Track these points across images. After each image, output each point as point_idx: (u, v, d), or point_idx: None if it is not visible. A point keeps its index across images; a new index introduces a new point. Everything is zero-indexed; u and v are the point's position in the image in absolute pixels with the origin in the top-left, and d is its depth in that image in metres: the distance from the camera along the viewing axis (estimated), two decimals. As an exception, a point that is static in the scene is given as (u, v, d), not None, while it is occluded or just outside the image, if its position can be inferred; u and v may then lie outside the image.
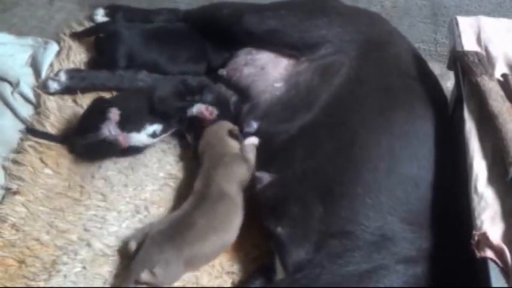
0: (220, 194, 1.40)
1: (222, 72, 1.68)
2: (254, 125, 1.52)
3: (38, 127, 1.64)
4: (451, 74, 1.51)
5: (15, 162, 1.57)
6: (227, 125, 1.56)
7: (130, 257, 1.34)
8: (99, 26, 1.90)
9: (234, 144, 1.51)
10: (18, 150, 1.59)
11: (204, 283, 1.37)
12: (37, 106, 1.71)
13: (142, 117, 1.56)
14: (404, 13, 1.93)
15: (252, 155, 1.48)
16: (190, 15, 1.86)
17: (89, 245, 1.41)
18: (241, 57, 1.66)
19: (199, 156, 1.53)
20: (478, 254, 1.01)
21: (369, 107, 1.37)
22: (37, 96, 1.72)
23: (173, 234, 1.32)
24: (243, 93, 1.61)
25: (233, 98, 1.64)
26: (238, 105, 1.62)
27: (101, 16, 1.93)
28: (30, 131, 1.63)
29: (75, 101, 1.70)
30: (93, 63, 1.81)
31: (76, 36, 1.87)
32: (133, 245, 1.34)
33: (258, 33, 1.63)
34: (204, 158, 1.51)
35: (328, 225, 1.24)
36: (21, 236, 1.42)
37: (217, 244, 1.37)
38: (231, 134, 1.53)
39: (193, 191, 1.43)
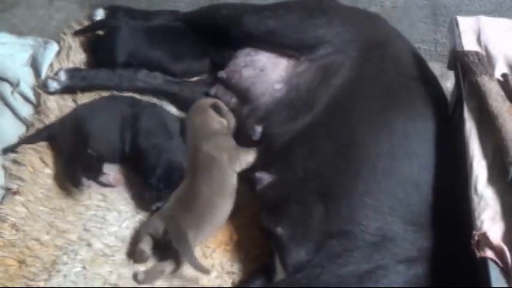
0: (209, 159, 1.45)
1: (222, 74, 1.67)
2: (259, 130, 1.51)
3: (39, 127, 1.64)
4: (451, 74, 1.51)
5: (15, 162, 1.56)
6: (209, 100, 1.61)
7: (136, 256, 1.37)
8: (99, 23, 1.90)
9: (216, 117, 1.56)
10: (18, 150, 1.59)
11: (204, 283, 1.37)
12: (37, 106, 1.70)
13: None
14: (404, 13, 1.93)
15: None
16: (189, 17, 1.86)
17: (89, 245, 1.41)
18: (240, 58, 1.66)
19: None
20: (478, 254, 1.01)
21: (369, 107, 1.37)
22: (37, 96, 1.72)
23: (186, 210, 1.36)
24: (243, 95, 1.61)
25: (233, 99, 1.64)
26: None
27: (100, 17, 1.93)
28: (9, 149, 1.60)
29: (75, 101, 1.70)
30: (93, 62, 1.81)
31: (76, 34, 1.87)
32: (146, 247, 1.35)
33: (257, 34, 1.63)
34: (188, 130, 1.56)
35: (328, 225, 1.24)
36: (21, 236, 1.41)
37: (223, 210, 1.41)
38: (215, 107, 1.57)
39: None
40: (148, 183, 1.43)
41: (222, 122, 1.57)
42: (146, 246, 1.36)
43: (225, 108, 1.59)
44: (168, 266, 1.33)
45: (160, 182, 1.43)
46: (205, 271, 1.30)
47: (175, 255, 1.33)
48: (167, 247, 1.34)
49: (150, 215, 1.45)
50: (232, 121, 1.59)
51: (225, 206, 1.41)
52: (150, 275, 1.33)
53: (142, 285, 1.33)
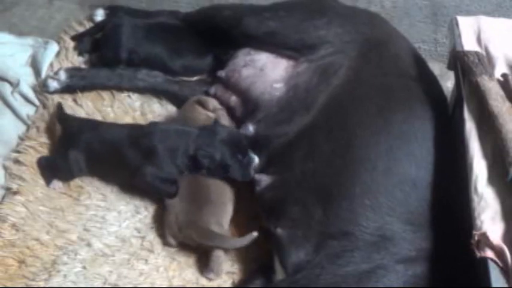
0: None
1: (221, 73, 1.67)
2: (250, 129, 1.52)
3: (40, 126, 1.64)
4: (451, 74, 1.51)
5: (15, 161, 1.56)
6: (195, 98, 1.63)
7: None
8: (100, 23, 1.90)
9: (203, 111, 1.58)
10: (19, 150, 1.59)
11: (204, 283, 1.37)
12: (37, 106, 1.71)
13: None
14: (404, 13, 1.93)
15: (224, 120, 1.56)
16: (190, 17, 1.86)
17: (89, 245, 1.41)
18: (240, 58, 1.66)
19: None
20: (478, 254, 1.01)
21: (368, 107, 1.37)
22: (37, 96, 1.72)
23: (200, 209, 1.40)
24: (243, 94, 1.61)
25: (232, 98, 1.64)
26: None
27: (100, 17, 1.93)
28: None
29: (75, 100, 1.70)
30: (95, 59, 1.81)
31: (77, 37, 1.87)
32: (172, 242, 1.41)
33: (257, 35, 1.62)
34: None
35: (328, 226, 1.25)
36: (21, 236, 1.42)
37: (231, 194, 1.46)
38: (199, 102, 1.59)
39: None
40: (228, 170, 1.44)
41: (208, 115, 1.58)
42: (171, 240, 1.40)
43: (211, 102, 1.60)
44: (215, 257, 1.37)
45: (238, 157, 1.44)
46: (251, 237, 1.35)
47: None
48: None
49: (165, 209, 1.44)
50: (220, 113, 1.60)
51: (231, 190, 1.46)
52: (214, 270, 1.37)
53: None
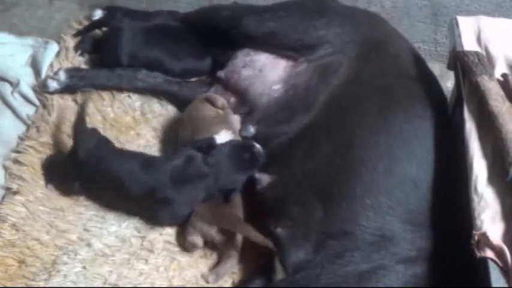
0: None
1: (221, 74, 1.67)
2: (251, 130, 1.52)
3: (39, 126, 1.64)
4: (451, 74, 1.51)
5: (15, 161, 1.56)
6: (203, 95, 1.62)
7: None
8: (96, 22, 1.90)
9: (212, 109, 1.57)
10: (19, 150, 1.59)
11: (204, 283, 1.37)
12: (37, 106, 1.71)
13: None
14: (404, 13, 1.93)
15: (235, 122, 1.56)
16: (189, 17, 1.86)
17: (89, 245, 1.41)
18: (239, 58, 1.66)
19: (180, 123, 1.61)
20: (478, 254, 1.01)
21: (368, 107, 1.38)
22: (37, 96, 1.72)
23: (224, 209, 1.40)
24: (241, 95, 1.61)
25: (231, 99, 1.64)
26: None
27: (99, 17, 1.93)
28: None
29: (75, 101, 1.70)
30: (96, 60, 1.81)
31: (76, 35, 1.87)
32: (199, 241, 1.39)
33: (257, 36, 1.63)
34: (184, 123, 1.58)
35: (328, 225, 1.25)
36: (21, 236, 1.41)
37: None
38: (208, 100, 1.58)
39: None
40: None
41: (218, 113, 1.57)
42: (198, 239, 1.39)
43: (220, 99, 1.60)
44: (228, 262, 1.37)
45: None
46: (270, 245, 1.32)
47: (227, 248, 1.38)
48: (215, 244, 1.40)
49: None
50: (228, 111, 1.60)
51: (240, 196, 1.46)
52: (220, 273, 1.37)
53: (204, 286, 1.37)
